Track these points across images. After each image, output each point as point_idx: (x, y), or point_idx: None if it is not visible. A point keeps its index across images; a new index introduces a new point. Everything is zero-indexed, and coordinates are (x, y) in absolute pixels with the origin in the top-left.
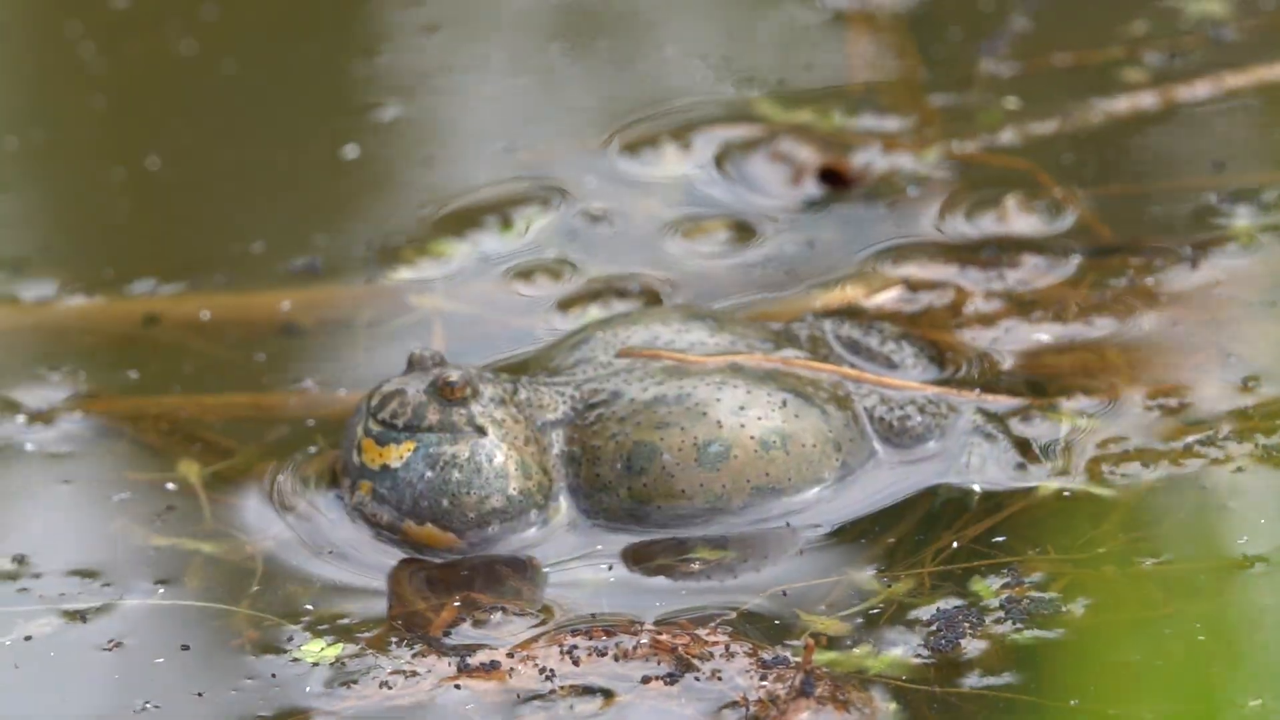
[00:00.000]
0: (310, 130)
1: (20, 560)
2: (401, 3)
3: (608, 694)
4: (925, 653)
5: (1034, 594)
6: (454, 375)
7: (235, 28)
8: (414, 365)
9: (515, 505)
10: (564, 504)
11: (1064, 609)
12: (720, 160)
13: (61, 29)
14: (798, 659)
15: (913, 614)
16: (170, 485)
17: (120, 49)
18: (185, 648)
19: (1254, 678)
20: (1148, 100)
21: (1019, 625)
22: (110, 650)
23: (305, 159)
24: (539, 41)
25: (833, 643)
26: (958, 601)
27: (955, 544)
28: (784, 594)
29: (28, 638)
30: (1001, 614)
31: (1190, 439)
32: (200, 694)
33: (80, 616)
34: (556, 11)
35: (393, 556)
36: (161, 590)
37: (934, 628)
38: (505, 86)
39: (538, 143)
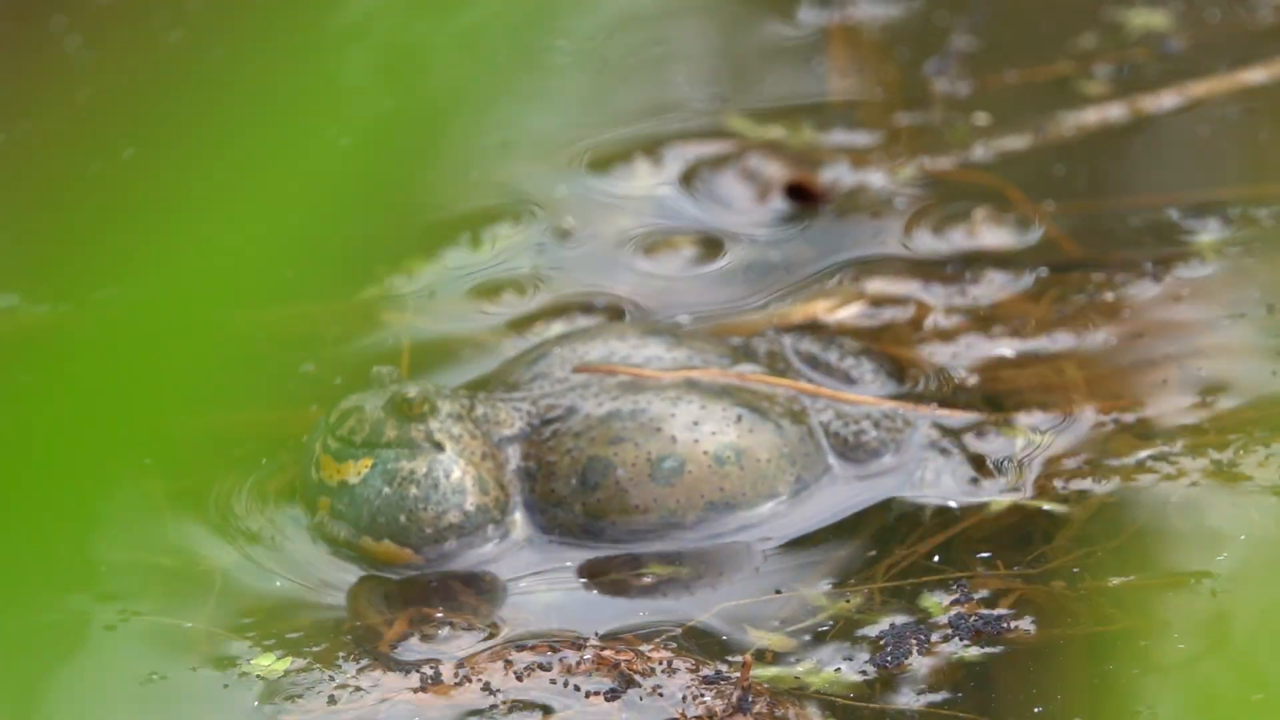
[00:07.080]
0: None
1: None
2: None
3: (547, 709)
4: (870, 669)
5: (983, 611)
6: (411, 391)
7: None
8: (373, 382)
9: (472, 521)
10: (520, 519)
11: (1012, 625)
12: (689, 177)
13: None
14: (738, 675)
15: (861, 630)
16: (136, 499)
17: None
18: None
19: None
20: (1116, 112)
21: (966, 642)
22: (63, 662)
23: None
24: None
25: (778, 658)
26: (907, 618)
27: (907, 559)
28: (733, 608)
29: None
30: (949, 630)
31: (1144, 454)
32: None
33: (36, 629)
34: (524, 28)
35: (352, 573)
36: (119, 605)
37: (882, 644)
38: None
39: (506, 160)
